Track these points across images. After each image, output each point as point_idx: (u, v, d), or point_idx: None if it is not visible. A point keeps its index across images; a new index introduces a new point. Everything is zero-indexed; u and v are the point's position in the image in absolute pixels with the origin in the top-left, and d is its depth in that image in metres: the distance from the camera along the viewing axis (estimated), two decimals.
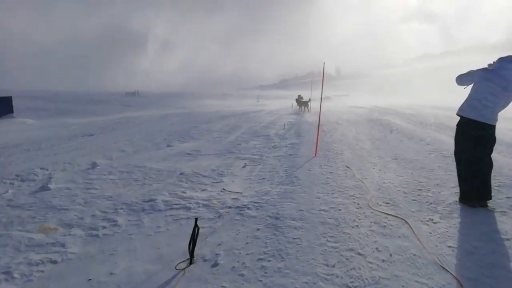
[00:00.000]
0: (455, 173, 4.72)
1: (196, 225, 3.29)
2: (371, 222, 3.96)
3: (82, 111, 33.56)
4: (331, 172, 6.33)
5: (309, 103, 23.39)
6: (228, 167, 7.10)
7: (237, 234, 3.84)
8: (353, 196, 4.96)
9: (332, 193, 5.10)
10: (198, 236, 3.34)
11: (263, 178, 6.18)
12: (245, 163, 7.41)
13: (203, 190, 5.62)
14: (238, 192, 5.40)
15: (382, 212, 4.25)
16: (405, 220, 3.96)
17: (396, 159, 7.33)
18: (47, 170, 7.13)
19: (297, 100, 23.39)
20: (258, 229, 3.93)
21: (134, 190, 5.68)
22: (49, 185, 5.86)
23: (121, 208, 4.79)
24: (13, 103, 25.48)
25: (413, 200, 4.71)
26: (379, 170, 6.44)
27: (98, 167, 7.22)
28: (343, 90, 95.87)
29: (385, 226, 3.86)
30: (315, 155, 7.85)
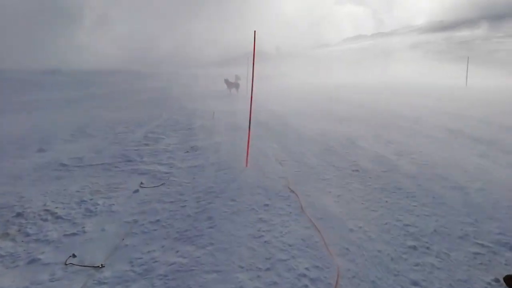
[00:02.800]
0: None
1: None
2: None
3: None
4: (267, 205, 4.06)
5: (239, 83, 20.87)
6: (110, 193, 4.53)
7: None
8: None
9: (267, 271, 2.82)
10: None
11: (157, 221, 3.73)
12: (140, 184, 4.89)
13: (16, 266, 3.00)
14: (95, 267, 2.92)
15: None
16: None
17: (358, 170, 5.30)
18: None
19: (225, 81, 20.68)
20: None
21: None
22: None
23: None
24: None
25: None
26: (338, 196, 4.31)
27: None
28: (284, 68, 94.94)
29: None
30: (246, 165, 5.55)
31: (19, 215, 3.86)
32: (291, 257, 2.96)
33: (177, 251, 3.09)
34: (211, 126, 9.31)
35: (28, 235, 3.45)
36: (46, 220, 3.76)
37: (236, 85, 20.45)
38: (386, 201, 4.13)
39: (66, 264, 2.94)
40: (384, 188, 4.56)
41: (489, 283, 2.66)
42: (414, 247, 3.13)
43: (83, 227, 3.60)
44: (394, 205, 4.02)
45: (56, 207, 4.05)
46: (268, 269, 2.80)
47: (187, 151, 6.78)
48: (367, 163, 5.71)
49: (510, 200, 4.11)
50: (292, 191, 4.45)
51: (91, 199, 4.31)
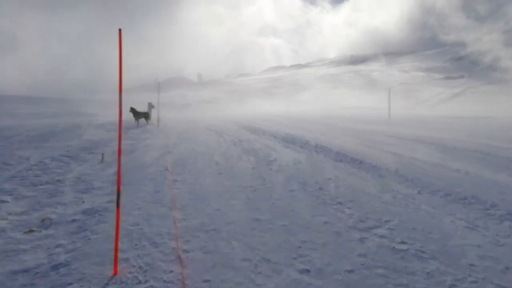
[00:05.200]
0: None
1: None
2: None
3: None
4: None
5: (149, 114, 18.23)
6: None
7: None
8: None
9: None
10: None
11: None
12: None
13: None
14: None
15: None
16: None
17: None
18: None
19: (132, 111, 17.52)
20: None
21: None
22: None
23: None
24: None
25: None
26: None
27: None
28: (206, 96, 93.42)
29: None
30: (114, 273, 3.09)
31: None
32: None
33: None
34: (92, 178, 6.60)
35: None
36: None
37: (145, 115, 17.67)
38: None
39: None
40: None
41: None
42: None
43: None
44: None
45: None
46: None
47: (30, 230, 4.08)
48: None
49: None
50: None
51: None
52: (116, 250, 3.09)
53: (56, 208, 4.95)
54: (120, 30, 2.82)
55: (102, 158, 8.28)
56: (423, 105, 62.25)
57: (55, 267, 3.18)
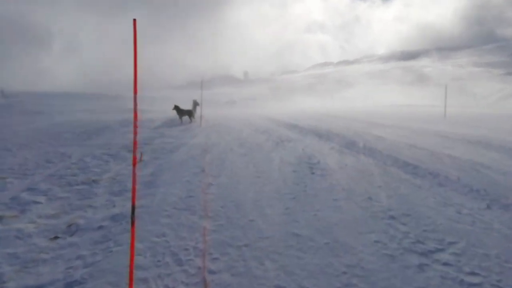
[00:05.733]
0: None
1: None
2: None
3: None
4: None
5: (193, 111, 18.21)
6: None
7: None
8: None
9: None
10: None
11: None
12: None
13: None
14: None
15: None
16: None
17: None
18: None
19: (176, 109, 17.64)
20: None
21: None
22: None
23: None
24: None
25: None
26: None
27: None
28: (251, 94, 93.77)
29: None
30: None
31: None
32: None
33: None
34: (127, 178, 6.44)
35: None
36: None
37: (189, 112, 17.67)
38: None
39: None
40: None
41: None
42: None
43: None
44: None
45: None
46: None
47: (55, 237, 3.90)
48: None
49: None
50: None
51: None
52: (131, 272, 2.72)
53: (85, 211, 4.77)
54: (134, 20, 2.44)
55: (141, 157, 8.16)
56: (482, 102, 57.64)
57: (69, 285, 2.90)
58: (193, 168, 7.15)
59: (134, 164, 2.65)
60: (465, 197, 5.22)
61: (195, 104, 21.40)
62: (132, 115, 17.52)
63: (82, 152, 8.83)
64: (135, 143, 2.63)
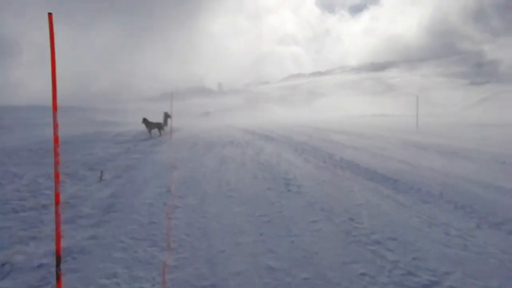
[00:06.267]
0: None
1: None
2: None
3: None
4: None
5: (164, 124, 17.58)
6: None
7: None
8: None
9: None
10: None
11: None
12: None
13: None
14: None
15: None
16: None
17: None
18: None
19: (144, 122, 16.67)
20: None
21: None
22: None
23: None
24: None
25: None
26: None
27: None
28: (225, 105, 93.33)
29: None
30: None
31: None
32: None
33: None
34: (82, 202, 5.72)
35: None
36: None
37: (159, 125, 16.91)
38: None
39: None
40: None
41: None
42: None
43: None
44: None
45: None
46: None
47: None
48: None
49: None
50: None
51: None
52: None
53: (27, 245, 4.06)
54: (50, 14, 1.89)
55: (101, 176, 7.42)
56: (448, 111, 59.66)
57: None
58: (158, 188, 6.51)
59: (56, 203, 2.05)
60: (450, 215, 4.87)
61: (166, 116, 20.66)
62: (100, 129, 16.57)
63: (36, 172, 7.97)
64: (56, 175, 2.03)
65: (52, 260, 3.62)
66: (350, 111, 64.67)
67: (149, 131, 16.47)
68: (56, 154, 2.00)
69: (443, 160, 9.05)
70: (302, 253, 3.74)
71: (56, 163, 2.01)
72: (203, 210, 5.24)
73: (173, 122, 17.67)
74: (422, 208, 5.16)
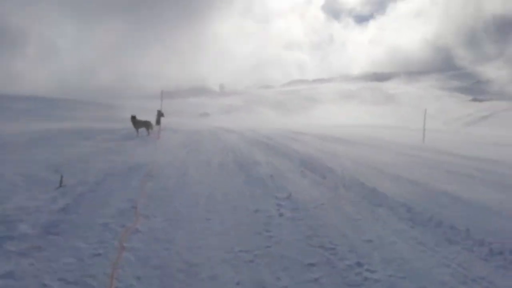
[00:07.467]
0: None
1: None
2: None
3: None
4: None
5: (157, 122, 16.61)
6: None
7: None
8: None
9: None
10: None
11: None
12: None
13: None
14: None
15: None
16: None
17: None
18: None
19: (132, 120, 15.34)
20: None
21: None
22: None
23: None
24: None
25: None
26: None
27: None
28: (225, 106, 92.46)
29: None
30: None
31: None
32: None
33: None
34: (23, 217, 4.56)
35: None
36: None
37: (146, 124, 15.76)
38: None
39: None
40: None
41: None
42: None
43: None
44: None
45: None
46: None
47: None
48: None
49: None
50: None
51: None
52: None
53: None
54: None
55: (61, 181, 6.25)
56: (451, 127, 58.72)
57: None
58: (123, 202, 5.35)
59: None
60: (488, 264, 3.74)
61: (159, 114, 19.80)
62: (87, 124, 15.37)
63: None
64: None
65: None
66: (349, 120, 63.73)
67: (136, 130, 15.30)
68: None
69: (461, 183, 7.90)
70: None
71: None
72: (169, 238, 4.10)
73: (168, 122, 16.63)
74: (449, 252, 4.02)
